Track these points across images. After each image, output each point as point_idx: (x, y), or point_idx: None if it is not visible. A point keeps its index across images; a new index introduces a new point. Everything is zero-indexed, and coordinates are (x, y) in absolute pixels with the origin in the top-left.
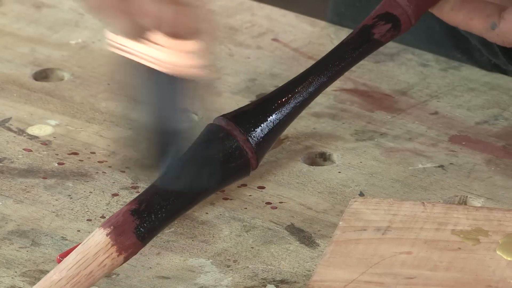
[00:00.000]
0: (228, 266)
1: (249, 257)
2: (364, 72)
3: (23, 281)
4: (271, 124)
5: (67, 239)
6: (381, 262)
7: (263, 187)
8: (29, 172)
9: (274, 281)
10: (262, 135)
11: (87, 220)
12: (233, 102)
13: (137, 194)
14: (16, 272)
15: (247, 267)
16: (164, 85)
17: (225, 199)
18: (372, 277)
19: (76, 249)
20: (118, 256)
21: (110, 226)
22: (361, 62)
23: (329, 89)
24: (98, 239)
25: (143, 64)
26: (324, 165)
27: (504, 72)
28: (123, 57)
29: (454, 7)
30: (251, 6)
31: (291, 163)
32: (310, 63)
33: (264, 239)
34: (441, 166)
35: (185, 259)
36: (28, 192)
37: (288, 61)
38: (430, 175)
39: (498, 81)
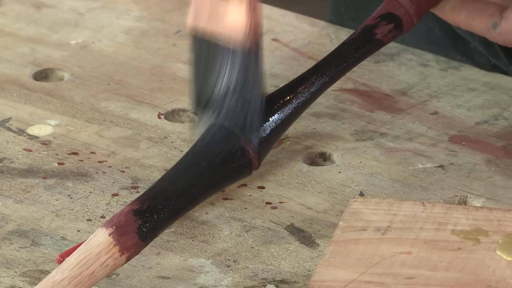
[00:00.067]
0: (228, 266)
1: (249, 257)
2: (364, 72)
3: (23, 281)
4: (273, 124)
5: (67, 239)
6: (381, 262)
7: (263, 187)
8: (29, 172)
9: (274, 281)
10: (264, 135)
11: (87, 220)
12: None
13: (137, 194)
14: (16, 272)
15: (247, 267)
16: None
17: (225, 199)
18: (372, 277)
19: (78, 249)
20: (120, 256)
21: (113, 226)
22: (361, 62)
23: (329, 89)
24: (100, 239)
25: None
26: (324, 165)
27: (504, 72)
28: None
29: (455, 7)
30: None
31: (291, 163)
32: (310, 63)
33: (264, 239)
34: (441, 166)
35: (185, 259)
36: (28, 192)
37: (288, 61)
38: (430, 175)
39: (498, 81)
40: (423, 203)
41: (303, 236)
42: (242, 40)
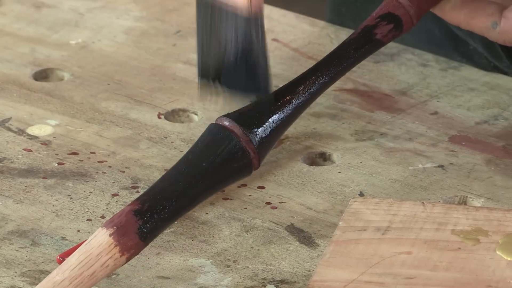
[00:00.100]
0: (228, 266)
1: (249, 257)
2: (364, 72)
3: (23, 281)
4: (273, 124)
5: (67, 239)
6: (381, 262)
7: (263, 187)
8: (29, 172)
9: (274, 281)
10: (265, 135)
11: (87, 220)
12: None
13: (137, 194)
14: (16, 272)
15: (247, 267)
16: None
17: (225, 199)
18: (372, 277)
19: (78, 249)
20: (120, 256)
21: (113, 227)
22: (361, 62)
23: (329, 89)
24: (101, 240)
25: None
26: (324, 165)
27: (504, 73)
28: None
29: (455, 7)
30: None
31: (291, 163)
32: (310, 63)
33: (264, 239)
34: (441, 166)
35: (185, 259)
36: (28, 192)
37: (288, 61)
38: (430, 175)
39: (498, 81)
40: (423, 203)
41: (303, 236)
42: (245, 3)
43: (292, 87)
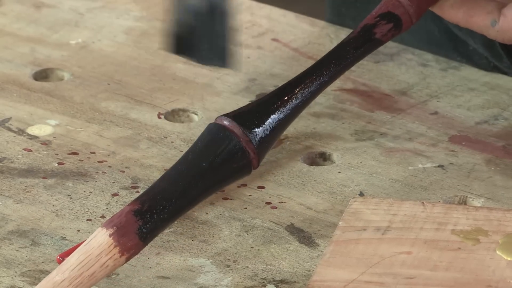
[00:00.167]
0: (228, 266)
1: (249, 257)
2: (364, 72)
3: (23, 281)
4: (273, 123)
5: (67, 239)
6: (381, 262)
7: (263, 187)
8: (29, 172)
9: (274, 281)
10: (264, 135)
11: (87, 220)
12: (233, 102)
13: (137, 194)
14: (16, 272)
15: (247, 267)
16: None
17: (225, 199)
18: (372, 277)
19: (78, 249)
20: (120, 257)
21: (113, 227)
22: (361, 62)
23: (329, 89)
24: (100, 240)
25: None
26: (324, 165)
27: (504, 73)
28: None
29: (454, 5)
30: (251, 6)
31: (291, 163)
32: (310, 63)
33: (264, 239)
34: (441, 166)
35: (185, 259)
36: (28, 192)
37: (288, 61)
38: (430, 175)
39: (498, 81)
40: (423, 203)
41: (303, 236)
42: None
43: (291, 87)
